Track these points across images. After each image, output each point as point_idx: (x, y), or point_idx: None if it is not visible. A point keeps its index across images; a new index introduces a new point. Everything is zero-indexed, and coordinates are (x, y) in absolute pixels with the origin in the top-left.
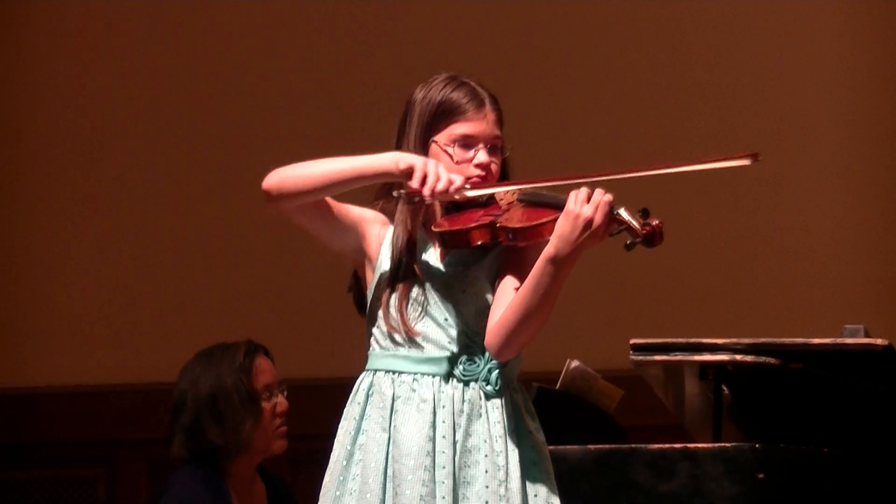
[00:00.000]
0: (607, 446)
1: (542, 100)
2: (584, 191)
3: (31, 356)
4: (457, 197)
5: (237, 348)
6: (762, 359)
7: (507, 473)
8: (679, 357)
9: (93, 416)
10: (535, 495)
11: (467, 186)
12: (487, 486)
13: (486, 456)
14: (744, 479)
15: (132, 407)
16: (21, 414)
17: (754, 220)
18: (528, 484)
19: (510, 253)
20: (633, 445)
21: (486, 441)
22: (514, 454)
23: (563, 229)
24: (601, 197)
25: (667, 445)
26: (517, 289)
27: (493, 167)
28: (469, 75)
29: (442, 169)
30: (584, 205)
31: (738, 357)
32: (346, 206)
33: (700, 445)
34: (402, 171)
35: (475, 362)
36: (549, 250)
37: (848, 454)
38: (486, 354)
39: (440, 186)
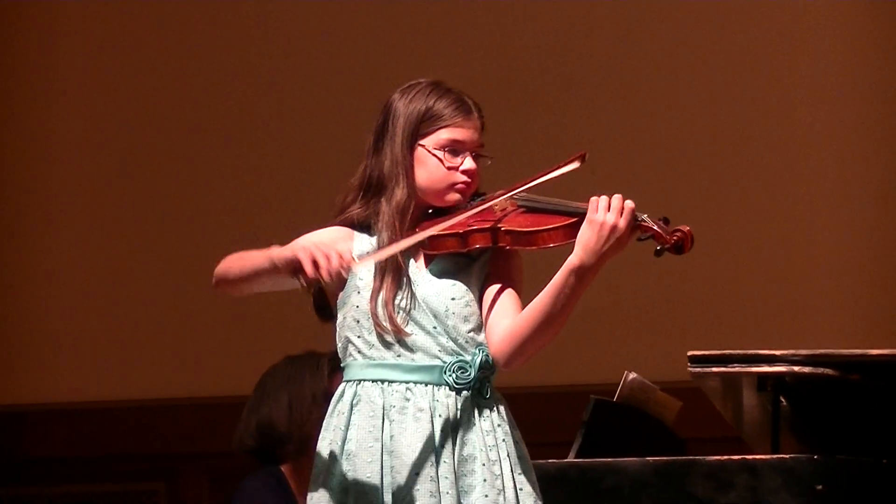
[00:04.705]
0: (666, 458)
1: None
2: (604, 198)
3: (96, 371)
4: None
5: (323, 356)
6: (820, 370)
7: (503, 483)
8: (737, 368)
9: (154, 430)
10: None
11: (356, 259)
12: (487, 496)
13: (483, 465)
14: (803, 490)
15: (194, 421)
16: (84, 428)
17: (812, 231)
18: (520, 495)
19: (497, 261)
20: (691, 457)
21: (481, 450)
22: (506, 464)
23: (587, 239)
24: (624, 204)
25: (725, 457)
26: (501, 293)
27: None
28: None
29: (324, 248)
30: (606, 212)
31: (797, 368)
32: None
33: (759, 457)
34: (285, 265)
35: (466, 370)
36: (573, 261)
37: None
38: (477, 362)
39: (334, 264)
